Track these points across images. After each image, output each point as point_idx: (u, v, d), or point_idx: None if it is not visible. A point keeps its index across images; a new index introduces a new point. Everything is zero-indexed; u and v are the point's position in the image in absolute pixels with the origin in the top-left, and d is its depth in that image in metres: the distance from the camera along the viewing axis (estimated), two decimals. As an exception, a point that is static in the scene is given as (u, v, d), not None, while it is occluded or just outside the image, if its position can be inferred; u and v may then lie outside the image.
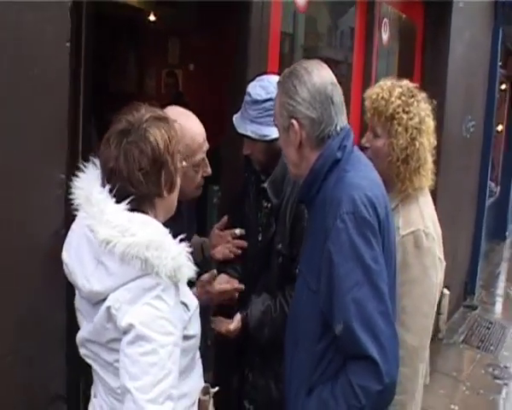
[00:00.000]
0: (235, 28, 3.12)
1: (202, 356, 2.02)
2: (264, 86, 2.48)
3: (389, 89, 2.44)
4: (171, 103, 2.37)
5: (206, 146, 2.34)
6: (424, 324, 2.38)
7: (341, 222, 1.87)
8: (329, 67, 2.10)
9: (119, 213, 1.68)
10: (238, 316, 2.57)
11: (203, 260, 2.73)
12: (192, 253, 1.76)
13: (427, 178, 2.46)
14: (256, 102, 2.48)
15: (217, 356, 3.15)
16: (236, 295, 2.59)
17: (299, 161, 2.07)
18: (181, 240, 1.73)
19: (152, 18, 7.39)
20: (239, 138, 2.61)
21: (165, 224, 1.79)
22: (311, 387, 2.01)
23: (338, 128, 2.02)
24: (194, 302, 1.87)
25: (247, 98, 2.54)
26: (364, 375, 1.85)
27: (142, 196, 1.73)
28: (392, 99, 2.40)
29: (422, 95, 2.50)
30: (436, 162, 2.58)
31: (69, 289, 1.95)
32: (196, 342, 1.89)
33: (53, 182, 1.96)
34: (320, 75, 2.02)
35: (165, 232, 1.71)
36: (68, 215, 2.00)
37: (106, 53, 7.45)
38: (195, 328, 1.87)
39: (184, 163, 2.19)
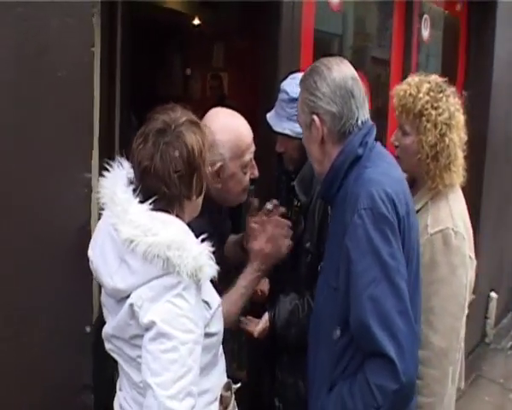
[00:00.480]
0: (267, 28, 3.14)
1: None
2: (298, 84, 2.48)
3: (417, 85, 2.40)
4: (216, 106, 2.40)
5: (253, 147, 2.37)
6: (453, 325, 2.32)
7: (359, 218, 1.87)
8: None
9: (142, 212, 1.71)
10: (266, 316, 2.57)
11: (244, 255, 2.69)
12: (214, 252, 1.78)
13: (457, 174, 2.41)
14: (293, 100, 2.45)
15: (249, 355, 3.18)
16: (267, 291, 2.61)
17: (322, 157, 2.07)
18: (203, 240, 1.76)
19: (196, 22, 7.51)
20: (271, 138, 2.62)
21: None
22: (331, 384, 2.01)
23: (359, 122, 2.02)
24: (216, 301, 1.89)
25: (283, 96, 2.54)
26: (381, 373, 1.84)
27: (172, 196, 1.77)
28: (420, 95, 2.36)
29: (452, 89, 2.44)
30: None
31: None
32: (218, 339, 1.91)
33: (79, 181, 2.04)
34: (340, 70, 2.02)
35: (187, 232, 1.74)
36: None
37: (153, 57, 7.64)
38: (217, 326, 1.89)
39: (233, 164, 2.28)
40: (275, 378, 2.73)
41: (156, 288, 1.67)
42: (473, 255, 2.44)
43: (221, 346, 1.97)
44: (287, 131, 2.52)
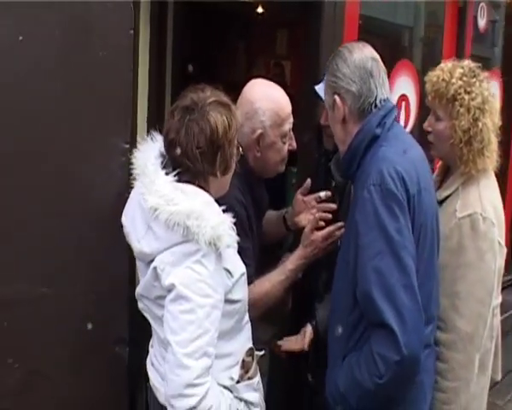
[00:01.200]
0: (310, 12, 3.25)
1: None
2: None
3: (450, 70, 2.42)
4: None
5: (291, 119, 2.44)
6: (479, 310, 2.31)
7: (368, 193, 1.94)
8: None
9: (166, 183, 1.83)
10: (309, 327, 2.59)
11: (286, 231, 2.79)
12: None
13: (491, 159, 2.41)
14: None
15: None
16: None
17: (345, 136, 2.16)
18: (224, 211, 1.86)
19: (260, 10, 7.62)
20: (312, 121, 2.73)
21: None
22: (344, 356, 2.09)
23: (378, 101, 2.09)
24: (239, 269, 1.98)
25: None
26: (383, 343, 1.90)
27: (196, 171, 1.88)
28: (453, 80, 2.37)
29: (485, 74, 2.45)
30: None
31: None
32: (242, 306, 2.00)
33: (118, 150, 2.24)
34: (361, 52, 2.11)
35: (207, 203, 1.84)
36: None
37: (216, 44, 7.80)
38: (240, 293, 1.98)
39: (273, 133, 2.36)
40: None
41: (177, 253, 1.79)
42: (503, 242, 2.42)
43: (247, 314, 2.08)
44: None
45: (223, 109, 1.90)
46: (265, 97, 2.38)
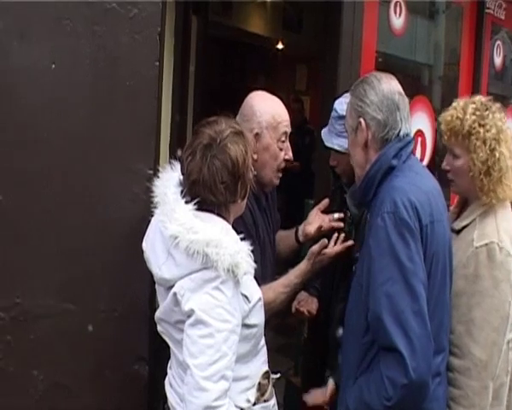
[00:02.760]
0: (328, 49, 3.37)
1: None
2: None
3: (462, 107, 2.45)
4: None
5: (288, 125, 2.51)
6: (494, 338, 2.30)
7: (381, 220, 1.99)
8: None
9: (187, 212, 1.88)
10: (331, 382, 2.55)
11: (297, 244, 2.81)
12: (253, 251, 1.93)
13: (509, 187, 2.42)
14: (341, 117, 2.57)
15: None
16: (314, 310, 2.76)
17: (364, 162, 2.19)
18: (242, 239, 1.91)
19: (280, 46, 7.78)
20: (329, 154, 2.78)
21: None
22: (356, 378, 2.11)
23: (401, 134, 2.14)
24: (256, 295, 2.01)
25: (333, 114, 2.70)
26: (392, 367, 1.93)
27: (219, 203, 1.93)
28: (467, 116, 2.41)
29: (497, 105, 2.48)
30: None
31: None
32: (259, 330, 2.02)
33: (142, 175, 2.33)
34: (389, 83, 2.16)
35: (226, 231, 1.89)
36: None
37: (238, 77, 7.95)
38: (257, 318, 2.00)
39: (268, 134, 2.43)
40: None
41: (196, 280, 1.84)
42: None
43: (263, 338, 2.12)
44: (335, 147, 2.66)
45: (238, 139, 1.96)
46: (263, 102, 2.49)
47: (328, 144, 2.71)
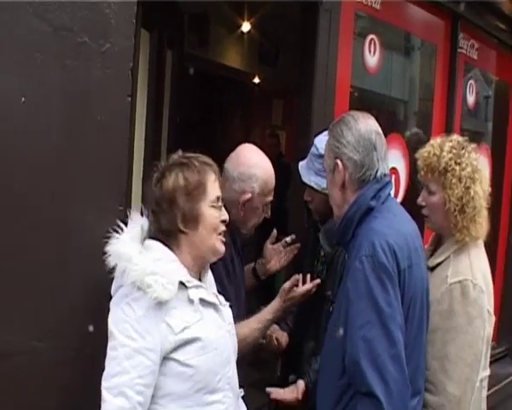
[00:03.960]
0: (302, 86, 3.38)
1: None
2: None
3: (439, 145, 2.51)
4: (272, 163, 2.62)
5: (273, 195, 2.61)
6: (468, 374, 2.33)
7: (360, 263, 1.99)
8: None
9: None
10: (301, 383, 2.55)
11: (258, 283, 2.91)
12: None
13: (482, 226, 2.49)
14: (321, 156, 2.58)
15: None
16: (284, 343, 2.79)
17: (342, 202, 2.20)
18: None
19: (256, 80, 7.83)
20: (303, 190, 2.79)
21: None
22: None
23: (379, 174, 2.15)
24: (191, 332, 1.90)
25: (313, 151, 2.70)
26: None
27: (164, 230, 2.00)
28: (444, 153, 2.47)
29: (472, 146, 2.56)
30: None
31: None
32: (198, 375, 1.90)
33: (112, 212, 2.26)
34: (366, 123, 2.17)
35: (137, 250, 1.93)
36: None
37: (214, 111, 7.97)
38: (194, 360, 1.90)
39: (258, 200, 2.51)
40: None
41: (117, 294, 1.93)
42: (492, 310, 2.47)
43: (218, 392, 1.96)
44: (313, 184, 2.67)
45: (181, 167, 2.01)
46: (261, 166, 2.53)
47: (305, 180, 2.72)
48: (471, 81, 5.08)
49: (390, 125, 4.28)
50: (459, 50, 4.72)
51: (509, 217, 5.65)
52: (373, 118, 2.24)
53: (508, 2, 4.84)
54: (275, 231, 2.87)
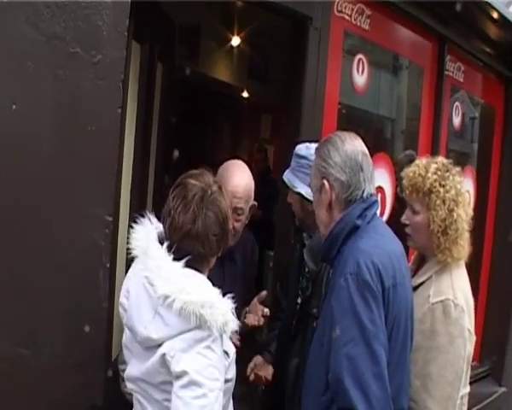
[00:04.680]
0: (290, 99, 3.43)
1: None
2: (308, 147, 2.67)
3: (425, 166, 2.55)
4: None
5: (238, 201, 2.61)
6: (449, 393, 2.36)
7: (344, 281, 2.01)
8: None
9: (175, 270, 1.88)
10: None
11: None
12: (236, 308, 1.95)
13: (464, 248, 2.52)
14: (296, 155, 2.72)
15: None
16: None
17: (329, 221, 2.21)
18: (224, 294, 1.92)
19: (245, 94, 7.86)
20: (289, 207, 2.82)
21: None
22: None
23: (365, 194, 2.16)
24: (232, 350, 2.04)
25: (306, 162, 2.68)
26: None
27: (205, 255, 1.96)
28: (429, 175, 2.50)
29: (457, 169, 2.59)
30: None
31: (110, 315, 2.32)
32: (232, 384, 2.07)
33: (101, 221, 2.29)
34: (352, 144, 2.19)
35: (212, 289, 1.91)
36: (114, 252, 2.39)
37: (204, 125, 7.98)
38: (233, 372, 2.05)
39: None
40: None
41: (187, 340, 1.83)
42: (472, 330, 2.50)
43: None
44: (285, 179, 2.73)
45: (223, 193, 2.02)
46: (227, 171, 2.63)
47: (283, 176, 2.77)
48: (457, 103, 5.14)
49: (377, 144, 4.33)
50: (446, 72, 4.78)
51: (494, 238, 5.69)
52: (359, 139, 2.26)
53: (493, 27, 4.90)
54: (264, 292, 2.82)
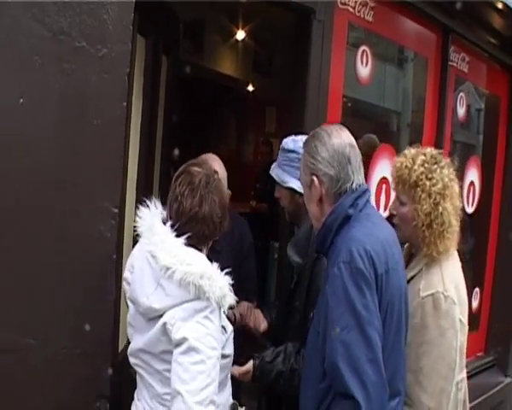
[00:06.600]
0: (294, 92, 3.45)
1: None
2: (295, 140, 2.69)
3: (412, 157, 2.52)
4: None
5: None
6: (442, 386, 2.36)
7: (338, 270, 2.03)
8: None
9: (178, 245, 2.00)
10: (251, 363, 2.61)
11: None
12: (233, 285, 2.04)
13: (452, 240, 2.50)
14: (283, 149, 2.72)
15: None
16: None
17: (320, 215, 2.23)
18: (226, 273, 2.04)
19: (250, 88, 7.88)
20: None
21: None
22: None
23: (354, 186, 2.17)
24: (230, 327, 2.18)
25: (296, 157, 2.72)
26: None
27: (208, 236, 2.09)
28: (415, 167, 2.47)
29: (446, 160, 2.55)
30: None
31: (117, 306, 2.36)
32: (230, 361, 2.20)
33: (108, 213, 2.34)
34: (339, 137, 2.20)
35: (214, 266, 2.03)
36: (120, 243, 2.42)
37: (209, 117, 8.01)
38: (230, 349, 2.18)
39: None
40: None
41: (188, 309, 1.95)
42: (465, 320, 2.48)
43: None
44: (273, 175, 2.74)
45: (220, 180, 2.19)
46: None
47: (270, 172, 2.78)
48: (462, 94, 5.12)
49: (381, 135, 4.33)
50: (450, 63, 4.77)
51: (499, 229, 5.70)
52: (346, 130, 2.26)
53: (498, 17, 4.90)
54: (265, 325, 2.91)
